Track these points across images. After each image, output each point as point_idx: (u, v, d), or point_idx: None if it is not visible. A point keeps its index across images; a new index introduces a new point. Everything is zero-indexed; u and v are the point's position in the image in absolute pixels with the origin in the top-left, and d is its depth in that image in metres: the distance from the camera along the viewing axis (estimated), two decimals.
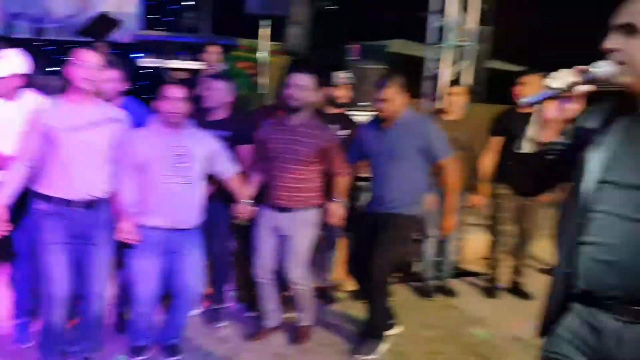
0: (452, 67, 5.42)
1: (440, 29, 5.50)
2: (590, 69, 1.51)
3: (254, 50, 8.41)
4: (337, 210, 3.58)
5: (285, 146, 3.44)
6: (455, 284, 4.83)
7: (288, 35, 6.68)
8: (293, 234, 3.49)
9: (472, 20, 5.47)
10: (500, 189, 4.50)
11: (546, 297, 1.67)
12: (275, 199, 3.48)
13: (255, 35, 6.80)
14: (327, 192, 3.66)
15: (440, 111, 4.63)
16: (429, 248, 4.63)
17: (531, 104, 1.64)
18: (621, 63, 1.46)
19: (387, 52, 6.10)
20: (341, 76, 4.50)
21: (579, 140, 1.59)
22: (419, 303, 4.53)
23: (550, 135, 1.65)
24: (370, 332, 3.59)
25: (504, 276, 4.76)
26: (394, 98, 3.44)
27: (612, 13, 1.50)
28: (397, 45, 7.77)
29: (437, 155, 3.55)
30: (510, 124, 4.32)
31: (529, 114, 1.84)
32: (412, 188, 3.54)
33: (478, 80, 5.62)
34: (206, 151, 3.24)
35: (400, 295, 4.43)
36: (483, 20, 5.63)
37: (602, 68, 1.49)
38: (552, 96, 1.58)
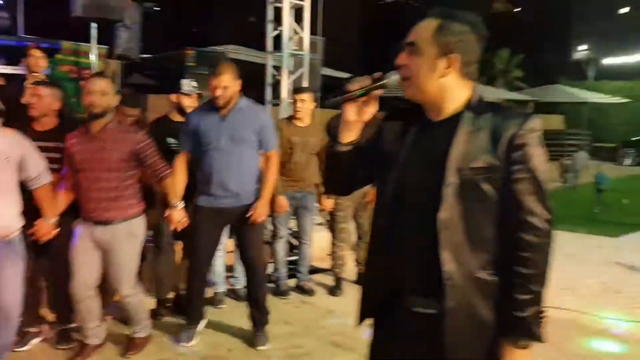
0: (290, 74, 5.67)
1: (277, 37, 5.74)
2: (385, 77, 1.67)
3: (77, 53, 7.95)
4: (176, 216, 3.56)
5: (92, 155, 3.32)
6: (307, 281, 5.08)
7: (118, 39, 6.42)
8: (114, 247, 3.38)
9: (306, 30, 5.77)
10: None
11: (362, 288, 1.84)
12: (90, 212, 3.34)
13: (78, 38, 6.44)
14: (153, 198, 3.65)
15: (291, 117, 4.84)
16: (281, 249, 4.81)
17: (331, 106, 1.77)
18: (405, 78, 1.65)
19: (228, 58, 6.14)
20: (188, 84, 4.48)
21: (378, 141, 1.76)
22: (274, 302, 4.68)
23: (349, 136, 1.75)
24: (262, 322, 3.87)
25: (350, 270, 5.12)
26: (230, 85, 3.55)
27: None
28: (236, 52, 7.86)
29: (267, 145, 3.74)
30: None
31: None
32: (253, 175, 3.72)
33: (314, 87, 5.95)
34: (17, 155, 3.02)
35: None
36: (315, 31, 5.99)
37: (392, 77, 1.68)
38: (349, 98, 1.68)
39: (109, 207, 3.32)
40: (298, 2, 5.60)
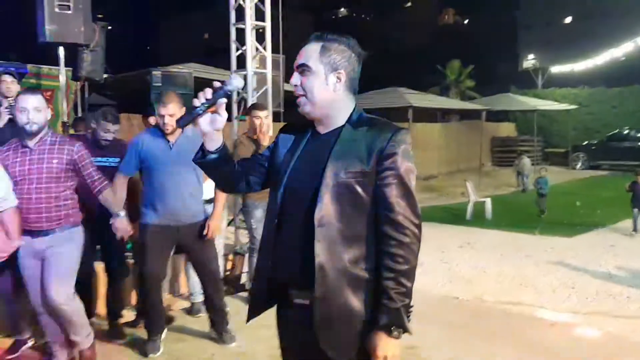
0: (254, 92, 5.88)
1: (239, 57, 5.96)
2: (225, 85, 1.83)
3: (39, 76, 7.99)
4: (121, 225, 3.73)
5: (30, 167, 3.37)
6: None
7: (82, 62, 6.46)
8: (51, 252, 3.39)
9: (268, 49, 5.99)
10: None
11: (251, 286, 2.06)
12: (31, 223, 3.38)
13: (37, 60, 6.48)
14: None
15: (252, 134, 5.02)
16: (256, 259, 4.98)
17: (184, 125, 1.91)
18: (301, 96, 1.84)
19: (192, 77, 6.28)
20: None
21: (273, 151, 1.97)
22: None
23: (212, 145, 1.90)
24: (225, 323, 4.16)
25: None
26: (177, 112, 3.77)
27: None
28: (200, 71, 8.03)
29: None
30: None
31: None
32: (198, 196, 4.00)
33: (277, 103, 6.17)
34: None
35: (232, 306, 4.71)
36: (276, 50, 6.22)
37: (233, 83, 1.85)
38: (200, 113, 1.82)
39: (50, 217, 3.39)
40: (260, 23, 5.83)
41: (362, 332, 1.80)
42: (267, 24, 5.88)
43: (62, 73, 5.88)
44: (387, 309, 1.75)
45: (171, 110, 3.80)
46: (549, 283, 6.13)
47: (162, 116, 3.83)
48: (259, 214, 4.94)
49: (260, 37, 5.94)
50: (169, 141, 3.90)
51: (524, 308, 5.19)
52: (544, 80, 26.39)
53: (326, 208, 1.77)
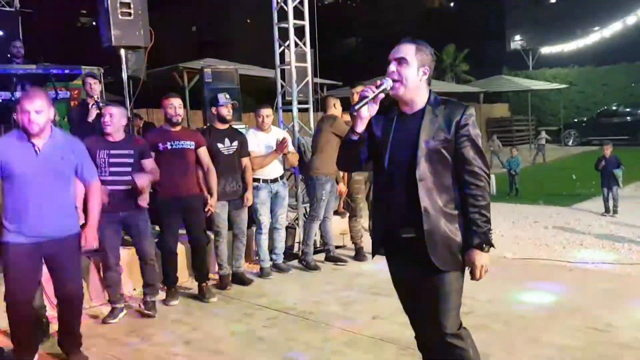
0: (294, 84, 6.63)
1: (282, 54, 6.70)
2: (383, 83, 2.50)
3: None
4: None
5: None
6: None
7: (127, 62, 7.10)
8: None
9: (307, 45, 6.72)
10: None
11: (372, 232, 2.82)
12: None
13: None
14: None
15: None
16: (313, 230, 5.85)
17: (358, 109, 2.49)
18: (396, 81, 2.50)
19: (237, 74, 7.02)
20: (224, 97, 5.41)
21: (369, 129, 2.60)
22: (308, 273, 5.68)
23: (361, 128, 2.54)
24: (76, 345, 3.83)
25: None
26: (44, 110, 3.37)
27: (391, 50, 2.61)
28: (246, 69, 8.80)
29: (86, 176, 3.73)
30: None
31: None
32: (70, 206, 3.64)
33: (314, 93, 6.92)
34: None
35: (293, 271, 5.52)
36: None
37: (388, 83, 2.51)
38: (367, 102, 2.48)
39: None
40: (299, 21, 6.57)
41: (457, 251, 2.54)
42: (306, 22, 6.63)
43: (125, 72, 6.57)
44: (477, 233, 2.50)
45: (38, 106, 3.33)
46: (559, 242, 7.01)
47: (27, 112, 3.32)
48: (328, 187, 5.76)
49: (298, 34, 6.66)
50: (34, 145, 3.41)
51: (542, 261, 6.05)
52: (534, 61, 27.23)
53: (423, 167, 2.50)
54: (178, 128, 5.01)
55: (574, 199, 10.22)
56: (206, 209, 5.07)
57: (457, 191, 2.55)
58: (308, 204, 6.40)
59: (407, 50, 2.55)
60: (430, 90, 2.63)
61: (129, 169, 4.53)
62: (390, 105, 2.69)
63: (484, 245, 2.50)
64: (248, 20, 48.67)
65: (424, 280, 2.58)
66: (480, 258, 2.50)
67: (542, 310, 4.39)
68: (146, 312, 4.69)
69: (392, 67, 2.55)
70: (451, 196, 2.53)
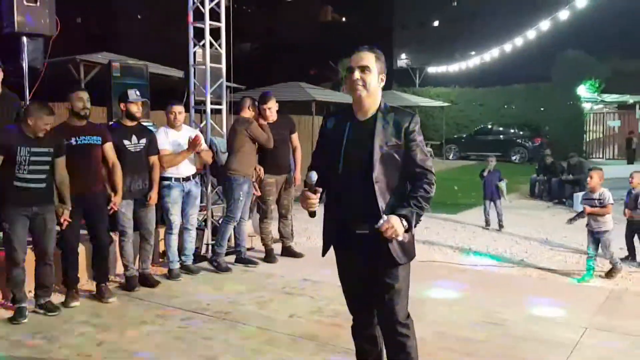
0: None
1: (194, 53, 6.65)
2: (311, 177, 2.72)
3: None
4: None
5: None
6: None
7: (27, 50, 6.72)
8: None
9: (223, 47, 6.73)
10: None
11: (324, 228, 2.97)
12: None
13: None
14: None
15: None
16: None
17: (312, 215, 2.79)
18: (361, 86, 2.74)
19: (147, 69, 6.83)
20: (134, 94, 5.30)
21: (323, 131, 2.93)
22: (221, 275, 5.70)
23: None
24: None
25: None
26: None
27: (351, 60, 2.80)
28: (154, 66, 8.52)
29: None
30: None
31: None
32: None
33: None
34: None
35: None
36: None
37: (312, 177, 2.72)
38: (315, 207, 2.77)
39: None
40: (216, 23, 6.57)
41: (407, 246, 2.75)
42: (223, 24, 6.64)
43: (25, 62, 6.20)
44: (408, 209, 2.67)
45: None
46: (450, 246, 7.56)
47: None
48: (246, 188, 5.81)
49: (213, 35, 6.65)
50: None
51: (438, 263, 6.52)
52: (421, 79, 28.86)
53: (378, 170, 2.72)
54: (84, 122, 4.84)
55: (458, 207, 10.99)
56: (109, 207, 4.95)
57: (405, 190, 2.77)
58: (217, 205, 6.41)
59: (369, 58, 2.76)
60: (382, 98, 2.84)
61: (47, 167, 4.43)
62: (343, 111, 2.90)
63: (405, 219, 2.66)
64: (139, 16, 47.01)
65: (377, 273, 2.77)
66: (397, 224, 2.63)
67: (444, 307, 4.77)
68: (50, 314, 4.50)
69: (357, 74, 2.73)
70: (402, 195, 2.75)
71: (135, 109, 5.27)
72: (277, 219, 6.42)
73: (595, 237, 5.94)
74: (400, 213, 2.66)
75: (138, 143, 5.23)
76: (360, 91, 2.75)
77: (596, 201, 5.96)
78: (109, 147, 4.94)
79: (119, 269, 5.49)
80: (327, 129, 2.91)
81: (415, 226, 2.74)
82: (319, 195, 2.77)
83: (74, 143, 4.73)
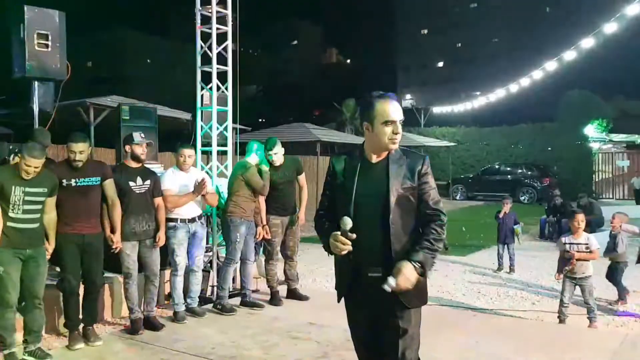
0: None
1: (202, 96, 6.73)
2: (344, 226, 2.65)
3: None
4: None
5: None
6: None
7: (37, 94, 6.80)
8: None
9: (230, 90, 6.82)
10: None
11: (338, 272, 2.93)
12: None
13: None
14: None
15: None
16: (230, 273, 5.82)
17: None
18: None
19: (156, 112, 6.92)
20: (138, 136, 5.33)
21: (330, 174, 2.90)
22: (226, 317, 5.63)
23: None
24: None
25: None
26: None
27: (385, 111, 2.74)
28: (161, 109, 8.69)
29: None
30: None
31: None
32: None
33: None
34: None
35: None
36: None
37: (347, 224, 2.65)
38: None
39: None
40: (223, 67, 6.67)
41: (421, 289, 2.70)
42: (229, 68, 6.74)
43: (36, 105, 6.28)
44: (421, 254, 2.63)
45: None
46: (459, 289, 7.44)
47: None
48: (243, 229, 5.76)
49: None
50: None
51: (446, 307, 6.40)
52: (426, 119, 29.09)
53: (394, 213, 2.69)
54: (81, 164, 4.80)
55: (467, 249, 10.87)
56: (114, 247, 4.93)
57: (418, 232, 2.74)
58: (223, 246, 6.35)
59: (401, 109, 2.77)
60: None
61: (40, 207, 4.42)
62: (351, 152, 2.88)
63: (420, 265, 2.62)
64: (148, 61, 47.97)
65: (389, 318, 2.71)
66: (412, 273, 2.59)
67: (454, 353, 4.65)
68: None
69: (399, 128, 2.74)
70: (415, 237, 2.72)
71: (140, 150, 5.29)
72: (282, 260, 6.35)
73: (577, 284, 5.73)
74: (415, 259, 2.62)
75: (143, 184, 5.23)
76: (397, 144, 2.76)
77: (583, 246, 5.75)
78: (109, 184, 4.93)
79: (124, 311, 5.41)
80: (336, 171, 2.87)
81: (430, 269, 2.69)
82: (351, 240, 2.68)
83: (73, 184, 4.73)
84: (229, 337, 5.02)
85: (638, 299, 6.89)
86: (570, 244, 5.78)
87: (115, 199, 4.96)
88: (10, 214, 4.27)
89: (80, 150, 4.75)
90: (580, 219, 5.84)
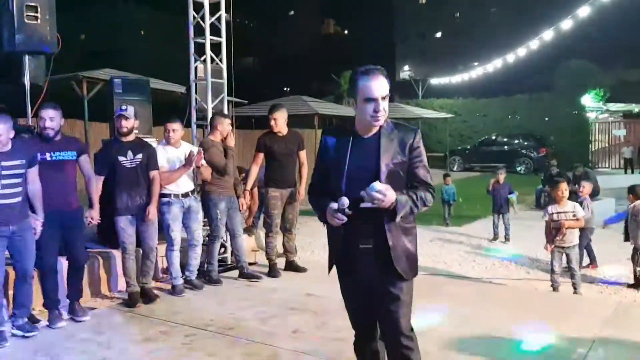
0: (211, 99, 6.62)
1: (195, 69, 6.67)
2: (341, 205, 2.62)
3: None
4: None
5: None
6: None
7: (29, 68, 6.73)
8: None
9: (224, 62, 6.76)
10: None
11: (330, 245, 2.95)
12: None
13: None
14: None
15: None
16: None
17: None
18: (384, 116, 2.70)
19: (149, 84, 6.84)
20: (121, 108, 5.23)
21: (322, 148, 2.87)
22: (224, 287, 5.68)
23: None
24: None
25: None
26: None
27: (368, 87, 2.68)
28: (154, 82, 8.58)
29: None
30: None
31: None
32: None
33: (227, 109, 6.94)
34: None
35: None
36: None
37: (343, 202, 2.61)
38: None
39: None
40: (216, 38, 6.59)
41: (413, 261, 2.75)
42: (223, 39, 6.66)
43: (27, 79, 6.21)
44: (405, 197, 2.64)
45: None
46: (454, 259, 7.50)
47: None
48: (222, 206, 5.77)
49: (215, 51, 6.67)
50: None
51: (443, 276, 6.46)
52: (424, 90, 28.92)
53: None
54: (57, 137, 4.71)
55: (463, 220, 10.93)
56: (87, 221, 4.88)
57: None
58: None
59: (386, 85, 2.70)
60: None
61: (20, 180, 4.30)
62: (342, 126, 2.88)
63: (399, 204, 2.62)
64: (142, 32, 47.37)
65: (381, 287, 2.74)
66: (389, 195, 2.56)
67: (448, 322, 4.70)
68: (27, 334, 4.40)
69: (382, 106, 2.66)
70: None
71: (122, 123, 5.14)
72: (281, 233, 6.37)
73: (564, 252, 5.78)
74: (397, 198, 2.59)
75: (134, 159, 5.15)
76: (381, 121, 2.72)
77: (570, 214, 5.77)
78: (84, 159, 4.84)
79: (122, 285, 5.45)
80: (328, 146, 2.85)
81: (400, 216, 2.66)
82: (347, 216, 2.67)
83: (48, 158, 4.63)
84: (227, 309, 5.06)
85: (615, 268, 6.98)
86: (557, 213, 5.81)
87: (91, 173, 4.90)
88: None
89: (51, 116, 4.63)
90: (564, 187, 5.88)
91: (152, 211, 5.21)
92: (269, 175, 6.09)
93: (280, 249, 6.42)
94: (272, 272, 6.16)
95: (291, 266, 6.36)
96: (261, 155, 6.12)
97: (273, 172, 6.09)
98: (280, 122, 6.07)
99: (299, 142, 6.33)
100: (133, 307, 5.11)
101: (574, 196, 6.40)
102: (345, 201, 2.63)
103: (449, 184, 10.90)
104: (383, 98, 2.68)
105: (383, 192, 2.54)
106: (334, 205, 2.63)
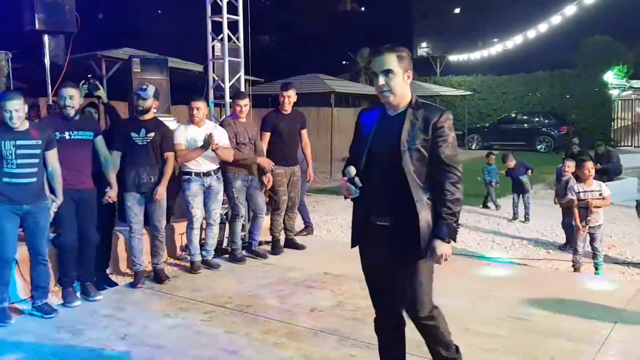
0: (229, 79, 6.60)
1: (213, 47, 6.63)
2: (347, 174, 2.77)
3: None
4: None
5: None
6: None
7: (46, 47, 6.75)
8: None
9: (241, 40, 6.72)
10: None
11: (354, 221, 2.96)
12: None
13: None
14: None
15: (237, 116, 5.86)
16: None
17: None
18: (386, 91, 2.73)
19: (167, 64, 6.82)
20: (141, 88, 5.24)
21: (357, 127, 2.92)
22: (240, 266, 5.73)
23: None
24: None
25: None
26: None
27: (372, 64, 2.78)
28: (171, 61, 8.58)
29: None
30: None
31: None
32: None
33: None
34: None
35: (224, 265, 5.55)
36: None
37: (349, 172, 2.78)
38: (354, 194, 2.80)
39: None
40: (233, 16, 6.54)
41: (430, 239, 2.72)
42: (240, 17, 6.61)
43: (47, 58, 6.26)
44: (442, 225, 2.66)
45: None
46: (474, 239, 7.46)
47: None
48: (238, 184, 5.78)
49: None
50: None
51: (461, 257, 6.43)
52: (442, 67, 28.52)
53: (408, 164, 2.69)
54: (77, 117, 4.76)
55: (482, 198, 10.82)
56: (105, 198, 4.90)
57: (430, 184, 2.74)
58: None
59: (391, 60, 2.70)
60: (412, 92, 2.81)
61: (37, 160, 4.34)
62: (377, 106, 2.89)
63: (445, 237, 2.67)
64: (159, 12, 47.28)
65: (401, 265, 2.75)
66: (441, 247, 2.67)
67: (467, 301, 4.69)
68: (46, 316, 4.43)
69: (381, 80, 2.70)
70: (427, 189, 2.73)
71: (140, 102, 5.17)
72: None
73: (589, 232, 5.66)
74: (440, 235, 2.66)
75: (146, 136, 5.13)
76: (387, 97, 2.75)
77: (596, 193, 5.64)
78: (99, 140, 4.86)
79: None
80: (360, 123, 2.92)
81: (457, 232, 2.77)
82: (358, 187, 2.76)
83: (67, 137, 4.67)
84: (246, 287, 5.11)
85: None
86: (584, 192, 5.70)
87: (107, 154, 4.92)
88: (5, 169, 4.21)
89: (70, 95, 4.68)
90: (590, 166, 5.75)
91: (160, 191, 5.17)
92: (274, 152, 6.10)
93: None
94: (275, 248, 6.21)
95: (290, 243, 6.41)
96: (268, 135, 6.10)
97: (277, 150, 6.12)
98: (292, 99, 6.12)
99: (302, 120, 6.38)
100: (134, 287, 5.12)
101: (604, 176, 6.25)
102: (352, 170, 2.70)
103: (492, 163, 10.40)
104: (384, 73, 2.70)
105: (440, 255, 2.67)
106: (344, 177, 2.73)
